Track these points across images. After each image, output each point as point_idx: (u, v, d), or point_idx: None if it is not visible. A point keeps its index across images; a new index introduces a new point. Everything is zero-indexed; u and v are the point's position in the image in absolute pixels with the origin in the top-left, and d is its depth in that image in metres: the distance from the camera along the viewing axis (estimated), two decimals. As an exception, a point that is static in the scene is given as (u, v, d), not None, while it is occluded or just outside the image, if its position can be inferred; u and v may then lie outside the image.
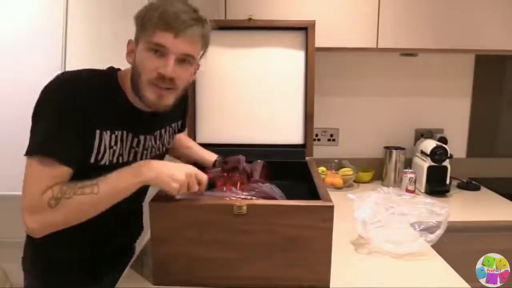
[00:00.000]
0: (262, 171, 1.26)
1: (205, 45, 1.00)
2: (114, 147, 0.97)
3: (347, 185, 1.94)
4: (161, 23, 0.89)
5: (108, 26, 1.82)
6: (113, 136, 0.96)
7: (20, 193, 0.90)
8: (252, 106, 1.53)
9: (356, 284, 1.04)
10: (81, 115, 0.90)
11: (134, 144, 1.02)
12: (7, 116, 1.85)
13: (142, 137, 1.03)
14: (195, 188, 0.95)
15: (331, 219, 0.94)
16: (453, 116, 2.10)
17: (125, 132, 0.99)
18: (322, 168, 1.96)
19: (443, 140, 1.96)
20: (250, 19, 1.56)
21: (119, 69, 1.03)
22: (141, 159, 1.04)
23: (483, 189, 1.95)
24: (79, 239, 1.00)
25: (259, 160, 1.30)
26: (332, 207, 0.94)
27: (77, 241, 1.02)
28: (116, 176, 0.90)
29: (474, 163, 2.11)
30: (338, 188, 1.90)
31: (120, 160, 0.99)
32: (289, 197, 1.06)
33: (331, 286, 0.98)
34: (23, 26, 1.91)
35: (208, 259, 0.97)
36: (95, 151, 0.94)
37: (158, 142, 1.10)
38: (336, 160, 2.06)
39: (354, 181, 1.99)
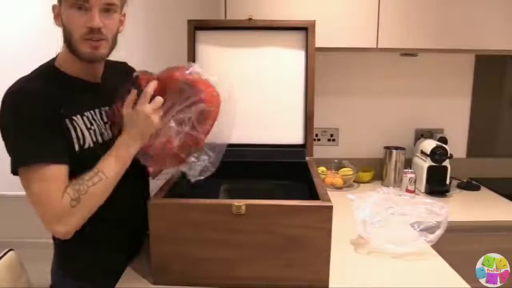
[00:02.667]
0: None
1: None
2: (92, 127, 1.01)
3: (347, 185, 1.94)
4: None
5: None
6: (85, 118, 1.00)
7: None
8: (252, 106, 1.53)
9: (356, 284, 1.04)
10: (43, 114, 0.93)
11: (104, 118, 1.06)
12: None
13: (103, 110, 1.07)
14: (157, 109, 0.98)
15: (330, 219, 0.94)
16: (453, 116, 2.10)
17: (92, 111, 1.03)
18: (322, 168, 1.96)
19: (443, 140, 1.96)
20: (250, 19, 1.56)
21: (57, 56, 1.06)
22: (114, 134, 1.06)
23: (483, 189, 1.95)
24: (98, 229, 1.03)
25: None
26: (331, 207, 0.94)
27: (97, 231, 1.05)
28: (111, 156, 0.96)
29: (474, 163, 2.11)
30: (338, 188, 1.90)
31: (105, 138, 1.04)
32: (289, 197, 1.06)
33: (330, 286, 0.98)
34: (25, 30, 1.92)
35: (208, 259, 0.97)
36: (75, 139, 0.97)
37: (118, 116, 1.11)
38: (336, 160, 2.06)
39: (354, 181, 1.99)
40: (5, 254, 1.14)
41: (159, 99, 0.98)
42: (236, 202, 0.95)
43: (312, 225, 0.94)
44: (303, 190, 1.29)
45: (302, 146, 1.50)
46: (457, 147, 2.08)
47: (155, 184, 1.21)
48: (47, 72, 1.02)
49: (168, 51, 1.87)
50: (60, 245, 1.09)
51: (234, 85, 1.09)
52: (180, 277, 0.99)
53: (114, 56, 1.22)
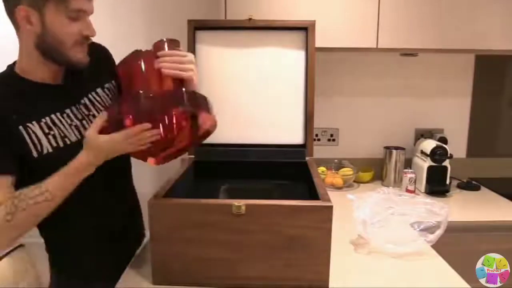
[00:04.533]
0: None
1: None
2: (52, 132, 0.97)
3: (347, 185, 1.94)
4: None
5: (110, 28, 1.83)
6: (43, 123, 0.97)
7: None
8: (252, 106, 1.53)
9: (356, 284, 1.04)
10: None
11: (69, 120, 1.01)
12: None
13: (68, 110, 1.02)
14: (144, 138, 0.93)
15: (330, 219, 0.94)
16: (453, 116, 2.10)
17: (53, 115, 0.99)
18: (322, 168, 1.96)
19: (443, 140, 1.96)
20: (250, 19, 1.56)
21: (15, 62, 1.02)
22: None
23: (483, 189, 1.95)
24: (81, 229, 1.04)
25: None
26: (331, 207, 0.94)
27: (80, 233, 1.06)
28: (64, 176, 0.92)
29: (474, 163, 2.11)
30: (338, 188, 1.90)
31: (68, 141, 0.99)
32: (289, 197, 1.06)
33: (330, 286, 0.98)
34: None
35: (208, 259, 0.97)
36: (31, 145, 0.94)
37: (93, 109, 1.07)
38: (336, 160, 2.06)
39: (354, 181, 1.99)
40: (13, 250, 1.15)
41: (132, 131, 0.91)
42: (236, 202, 0.95)
43: (312, 225, 0.94)
44: (303, 190, 1.29)
45: (302, 146, 1.50)
46: (457, 147, 2.08)
47: (155, 184, 1.21)
48: (5, 79, 0.99)
49: (168, 51, 1.87)
50: (51, 250, 1.10)
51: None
52: (180, 277, 0.99)
53: (114, 56, 1.23)
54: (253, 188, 1.37)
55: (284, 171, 1.41)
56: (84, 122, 1.04)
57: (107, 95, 1.12)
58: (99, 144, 0.92)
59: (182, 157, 1.17)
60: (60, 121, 1.00)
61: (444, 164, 1.84)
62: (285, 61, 1.54)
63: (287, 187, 1.38)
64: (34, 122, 0.95)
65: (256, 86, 1.55)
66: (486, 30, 1.71)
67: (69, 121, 1.01)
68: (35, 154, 0.95)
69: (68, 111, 1.02)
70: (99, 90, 1.10)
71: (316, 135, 2.07)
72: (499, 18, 1.71)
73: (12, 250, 1.14)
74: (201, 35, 1.54)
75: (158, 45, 1.06)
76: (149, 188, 1.33)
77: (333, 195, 1.01)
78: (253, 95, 1.53)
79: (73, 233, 1.05)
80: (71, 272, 1.10)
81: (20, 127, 0.94)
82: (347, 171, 1.96)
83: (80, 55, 0.98)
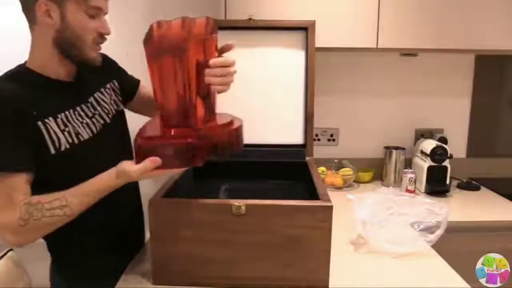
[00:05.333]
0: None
1: None
2: (67, 129, 0.98)
3: (347, 185, 1.94)
4: None
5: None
6: (58, 120, 0.97)
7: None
8: (252, 106, 1.53)
9: (356, 284, 1.04)
10: (11, 118, 0.90)
11: (80, 118, 1.02)
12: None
13: (78, 108, 1.03)
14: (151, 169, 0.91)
15: (330, 219, 0.94)
16: (453, 116, 2.10)
17: (67, 112, 0.99)
18: (322, 168, 1.96)
19: (443, 140, 1.96)
20: (250, 19, 1.56)
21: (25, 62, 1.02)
22: (97, 130, 1.05)
23: (483, 189, 1.95)
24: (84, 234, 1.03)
25: None
26: (331, 207, 0.94)
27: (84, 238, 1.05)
28: (88, 192, 0.92)
29: (474, 163, 2.11)
30: (338, 188, 1.90)
31: (82, 138, 1.00)
32: (289, 197, 1.06)
33: (330, 286, 0.98)
34: (23, 36, 1.92)
35: (208, 259, 0.97)
36: (49, 142, 0.94)
37: (99, 108, 1.08)
38: (336, 160, 2.06)
39: (354, 181, 1.99)
40: (4, 254, 1.14)
41: (149, 164, 0.89)
42: (236, 202, 0.95)
43: (312, 225, 0.94)
44: (303, 190, 1.29)
45: (302, 146, 1.50)
46: (457, 147, 2.08)
47: (155, 184, 1.21)
48: (19, 74, 0.98)
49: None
50: (54, 250, 1.09)
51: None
52: (180, 277, 0.99)
53: (113, 56, 1.23)
54: (253, 188, 1.37)
55: (284, 171, 1.41)
56: (93, 119, 1.05)
57: (109, 94, 1.14)
58: (130, 175, 0.91)
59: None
60: (73, 118, 1.00)
61: (444, 164, 1.84)
62: (285, 61, 1.54)
63: (287, 187, 1.38)
64: (50, 118, 0.95)
65: (256, 86, 1.55)
66: (486, 30, 1.71)
67: (80, 118, 1.02)
68: (52, 150, 0.95)
69: (78, 108, 1.03)
70: (102, 89, 1.12)
71: (316, 135, 2.07)
72: (499, 18, 1.71)
73: (3, 254, 1.12)
74: (201, 35, 1.54)
75: (203, 32, 0.94)
76: (149, 188, 1.32)
77: (333, 195, 1.01)
78: (253, 95, 1.54)
79: (77, 233, 1.04)
80: (74, 272, 1.09)
81: (39, 122, 0.93)
82: (347, 171, 1.96)
83: (94, 54, 1.00)
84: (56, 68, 1.00)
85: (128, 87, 1.23)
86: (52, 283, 1.13)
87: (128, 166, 0.91)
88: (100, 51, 1.03)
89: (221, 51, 0.98)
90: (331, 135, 2.10)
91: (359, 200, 1.24)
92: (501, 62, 2.07)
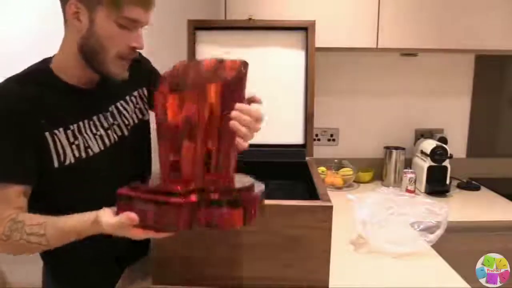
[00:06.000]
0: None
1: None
2: (77, 142, 0.91)
3: (347, 185, 1.94)
4: None
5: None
6: (69, 131, 0.90)
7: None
8: (251, 106, 1.53)
9: (356, 284, 1.04)
10: (19, 126, 0.84)
11: (94, 129, 0.95)
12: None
13: (95, 118, 0.96)
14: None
15: (330, 219, 0.94)
16: (453, 116, 2.10)
17: (80, 123, 0.93)
18: (322, 168, 1.96)
19: (443, 140, 1.96)
20: (250, 19, 1.56)
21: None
22: (111, 143, 0.97)
23: (483, 189, 1.95)
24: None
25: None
26: (331, 207, 0.94)
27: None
28: (69, 229, 0.82)
29: (474, 163, 2.11)
30: (338, 188, 1.90)
31: (90, 153, 0.93)
32: (289, 197, 1.05)
33: (330, 286, 0.98)
34: (23, 35, 1.92)
35: (208, 259, 0.97)
36: (54, 155, 0.88)
37: (119, 118, 1.01)
38: (336, 160, 2.06)
39: (354, 181, 1.99)
40: None
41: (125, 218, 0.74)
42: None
43: (312, 225, 0.94)
44: (303, 190, 1.29)
45: (302, 146, 1.50)
46: (457, 147, 2.08)
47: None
48: (37, 73, 0.92)
49: (168, 51, 1.87)
50: (49, 260, 1.04)
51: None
52: (180, 277, 0.99)
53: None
54: (253, 188, 1.36)
55: (284, 171, 1.41)
56: (108, 131, 0.98)
57: (134, 103, 1.06)
58: (102, 226, 0.78)
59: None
60: (86, 129, 0.93)
61: (444, 164, 1.84)
62: (285, 61, 1.54)
63: (287, 187, 1.38)
64: (61, 129, 0.89)
65: (256, 86, 1.54)
66: (486, 30, 1.71)
67: (94, 130, 0.95)
68: (56, 164, 0.88)
69: (95, 118, 0.96)
70: (127, 97, 1.04)
71: (316, 135, 2.07)
72: (499, 18, 1.71)
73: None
74: (201, 35, 1.54)
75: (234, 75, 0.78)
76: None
77: (333, 195, 1.01)
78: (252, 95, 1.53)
79: (78, 243, 0.95)
80: (70, 282, 1.04)
81: (47, 133, 0.87)
82: (347, 171, 1.96)
83: (119, 70, 0.91)
84: (78, 74, 0.93)
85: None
86: (45, 285, 1.09)
87: (104, 216, 0.77)
88: (127, 67, 0.92)
89: (248, 101, 0.88)
90: (331, 135, 2.10)
91: (359, 200, 1.24)
92: (501, 62, 2.07)
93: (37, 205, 0.88)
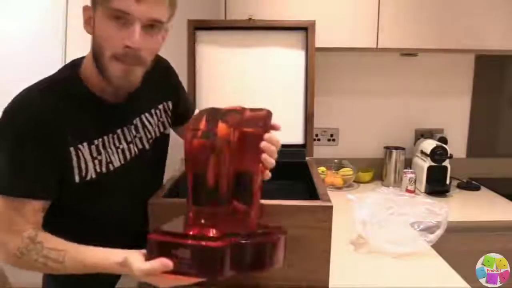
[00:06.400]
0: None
1: (172, 4, 0.85)
2: (99, 157, 0.88)
3: (347, 185, 1.94)
4: None
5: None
6: (93, 146, 0.87)
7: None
8: (251, 106, 1.53)
9: (356, 284, 1.04)
10: (46, 138, 0.81)
11: (117, 143, 0.92)
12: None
13: (119, 131, 0.93)
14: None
15: (330, 219, 0.94)
16: (453, 116, 2.10)
17: (105, 137, 0.89)
18: (322, 168, 1.96)
19: (443, 140, 1.96)
20: (250, 19, 1.56)
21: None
22: (131, 157, 0.95)
23: (483, 189, 1.95)
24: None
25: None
26: (331, 207, 0.94)
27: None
28: (93, 263, 0.80)
29: (474, 163, 2.11)
30: (338, 188, 1.90)
31: (111, 167, 0.90)
32: (289, 197, 1.05)
33: (330, 286, 0.98)
34: (23, 35, 1.92)
35: (208, 259, 0.97)
36: (76, 169, 0.85)
37: (142, 131, 0.98)
38: (336, 160, 2.06)
39: (354, 181, 1.99)
40: None
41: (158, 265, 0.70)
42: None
43: (312, 225, 0.94)
44: (303, 190, 1.29)
45: (302, 146, 1.50)
46: (457, 147, 2.08)
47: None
48: (67, 83, 0.87)
49: (168, 51, 1.87)
50: None
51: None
52: (180, 277, 0.98)
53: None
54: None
55: (284, 171, 1.40)
56: (130, 145, 0.95)
57: (158, 116, 1.03)
58: (133, 272, 0.74)
59: (182, 157, 1.13)
60: (109, 144, 0.90)
61: (444, 164, 1.84)
62: (285, 61, 1.55)
63: (287, 187, 1.38)
64: (85, 144, 0.86)
65: (256, 86, 1.55)
66: (486, 30, 1.72)
67: (117, 143, 0.92)
68: (77, 179, 0.85)
69: (119, 131, 0.92)
70: (152, 110, 1.01)
71: (316, 135, 2.07)
72: (499, 18, 1.71)
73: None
74: (201, 35, 1.54)
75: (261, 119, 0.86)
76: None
77: (333, 195, 1.00)
78: (253, 95, 1.54)
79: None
80: (72, 283, 0.99)
81: (71, 148, 0.84)
82: (347, 171, 1.96)
83: (118, 73, 0.82)
84: (98, 83, 0.87)
85: (182, 110, 1.10)
86: (45, 285, 1.08)
87: (136, 261, 0.73)
88: (130, 73, 0.83)
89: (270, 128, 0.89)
90: (331, 135, 2.10)
91: (359, 200, 1.24)
92: (501, 62, 2.07)
93: (54, 217, 0.86)
